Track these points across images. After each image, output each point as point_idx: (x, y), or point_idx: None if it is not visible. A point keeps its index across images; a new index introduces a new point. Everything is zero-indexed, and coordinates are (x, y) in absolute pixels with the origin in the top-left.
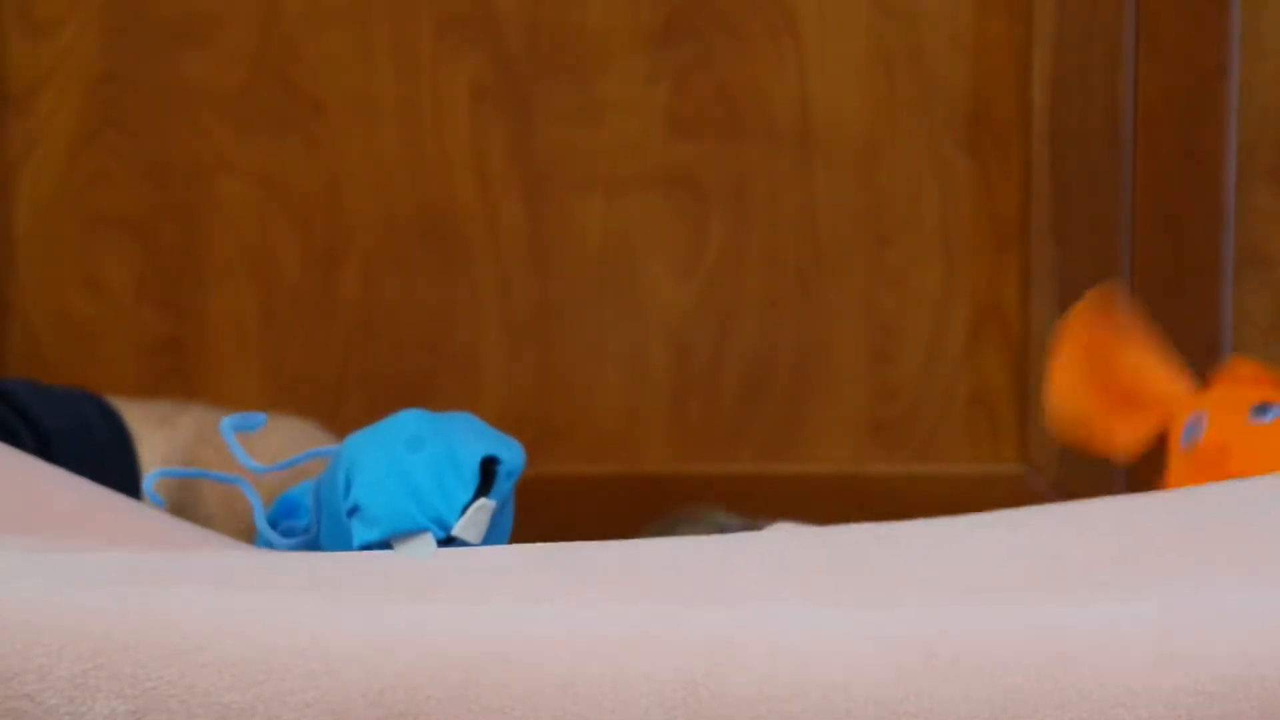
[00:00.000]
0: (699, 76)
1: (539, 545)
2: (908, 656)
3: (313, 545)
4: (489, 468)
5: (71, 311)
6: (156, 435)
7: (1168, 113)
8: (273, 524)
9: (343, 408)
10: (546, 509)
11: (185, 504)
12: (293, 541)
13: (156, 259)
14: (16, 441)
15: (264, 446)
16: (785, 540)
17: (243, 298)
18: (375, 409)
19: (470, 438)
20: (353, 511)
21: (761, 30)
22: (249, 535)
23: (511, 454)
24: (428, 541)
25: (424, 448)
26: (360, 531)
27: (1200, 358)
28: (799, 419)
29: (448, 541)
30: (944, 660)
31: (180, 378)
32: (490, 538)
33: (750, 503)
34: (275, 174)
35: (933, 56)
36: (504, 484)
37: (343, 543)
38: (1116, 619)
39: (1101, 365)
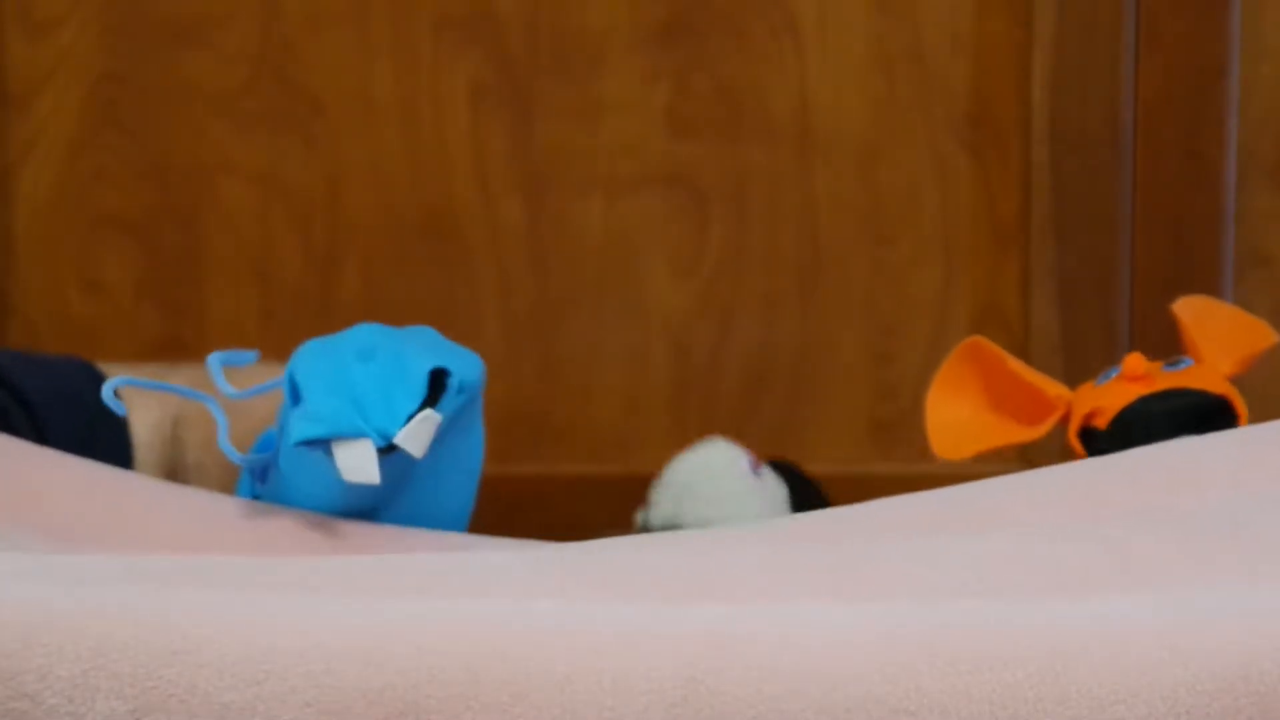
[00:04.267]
0: (699, 76)
1: (538, 545)
2: (908, 654)
3: (273, 464)
4: (441, 381)
5: (71, 311)
6: (147, 397)
7: (1168, 113)
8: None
9: None
10: (546, 509)
11: (174, 458)
12: (256, 459)
13: (156, 259)
14: (4, 415)
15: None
16: (785, 538)
17: (243, 298)
18: None
19: (422, 350)
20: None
21: (761, 30)
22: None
23: (466, 367)
24: (367, 448)
25: (374, 359)
26: (300, 427)
27: None
28: (799, 419)
29: (389, 450)
30: (944, 657)
31: None
32: (453, 456)
33: None
34: (275, 174)
35: (933, 56)
36: (453, 398)
37: (296, 460)
38: (1116, 615)
39: (985, 377)
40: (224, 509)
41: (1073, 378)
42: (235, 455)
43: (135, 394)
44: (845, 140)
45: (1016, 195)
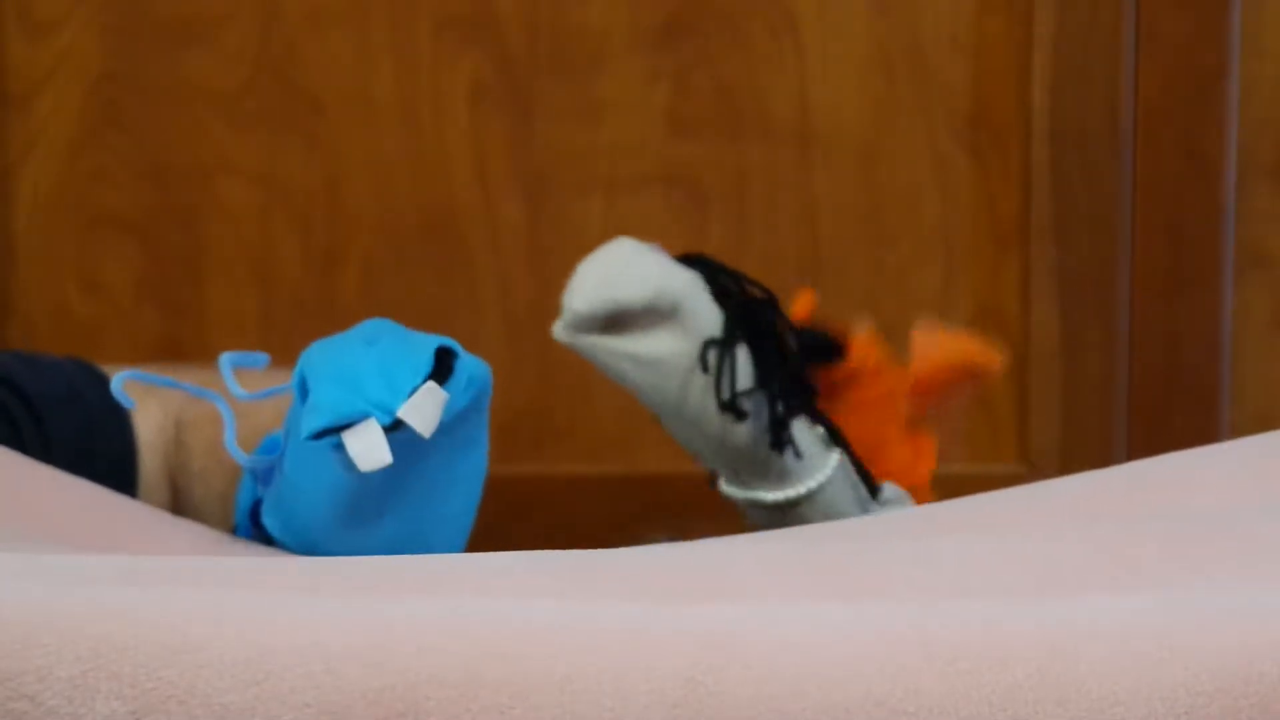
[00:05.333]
0: (699, 76)
1: (539, 551)
2: (907, 654)
3: (278, 466)
4: (448, 364)
5: (71, 311)
6: (148, 399)
7: (1168, 113)
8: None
9: None
10: (546, 509)
11: (177, 462)
12: (261, 460)
13: (156, 259)
14: (8, 416)
15: (261, 415)
16: (785, 541)
17: (243, 298)
18: None
19: (430, 338)
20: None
21: (761, 30)
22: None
23: (476, 362)
24: (373, 429)
25: (379, 343)
26: (308, 421)
27: (1200, 358)
28: None
29: (395, 427)
30: (943, 657)
31: None
32: (458, 466)
33: None
34: (275, 174)
35: (933, 56)
36: (462, 386)
37: (302, 460)
38: (1115, 615)
39: None
40: (216, 542)
41: (1073, 378)
42: (241, 456)
43: (138, 396)
44: (845, 140)
45: (1016, 195)
